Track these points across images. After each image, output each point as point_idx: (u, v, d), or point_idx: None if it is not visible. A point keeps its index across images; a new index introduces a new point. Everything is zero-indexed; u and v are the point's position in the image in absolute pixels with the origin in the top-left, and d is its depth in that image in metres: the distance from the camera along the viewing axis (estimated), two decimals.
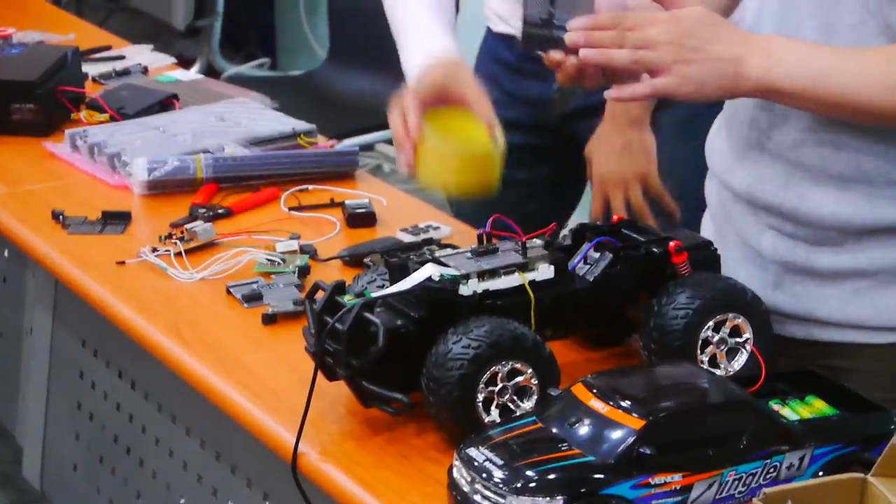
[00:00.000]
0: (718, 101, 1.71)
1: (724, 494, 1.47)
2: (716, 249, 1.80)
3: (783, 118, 1.73)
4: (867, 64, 1.63)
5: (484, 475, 1.45)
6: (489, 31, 2.59)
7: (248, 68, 5.18)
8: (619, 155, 2.25)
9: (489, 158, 1.99)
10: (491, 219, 1.90)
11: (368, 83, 4.23)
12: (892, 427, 1.53)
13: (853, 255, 1.74)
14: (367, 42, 4.07)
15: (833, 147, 1.71)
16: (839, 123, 1.69)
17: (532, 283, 1.70)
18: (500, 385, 1.61)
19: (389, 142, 4.60)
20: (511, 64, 2.48)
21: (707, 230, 1.91)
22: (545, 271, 1.72)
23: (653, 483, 1.45)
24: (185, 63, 3.33)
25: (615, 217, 1.87)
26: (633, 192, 2.32)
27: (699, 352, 1.70)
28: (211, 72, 4.79)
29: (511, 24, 2.45)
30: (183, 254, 2.12)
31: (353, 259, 2.12)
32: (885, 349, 1.76)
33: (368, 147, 4.60)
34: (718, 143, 1.85)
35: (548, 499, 1.42)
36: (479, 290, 1.68)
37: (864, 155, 1.70)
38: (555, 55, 1.74)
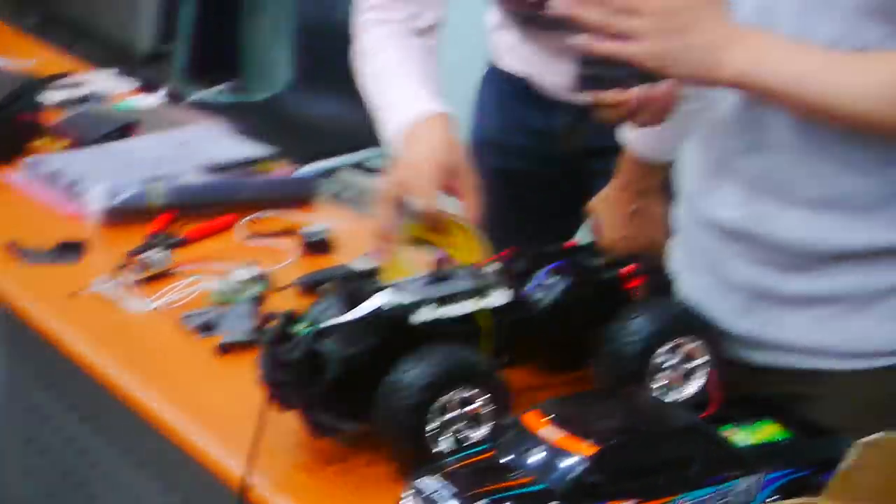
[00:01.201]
0: (687, 83, 1.67)
1: None
2: (670, 274, 1.79)
3: (754, 143, 1.70)
4: (857, 67, 1.58)
5: None
6: (492, 66, 2.54)
7: (212, 93, 5.16)
8: (628, 223, 2.22)
9: None
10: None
11: (334, 107, 4.22)
12: (844, 451, 1.52)
13: (824, 280, 1.70)
14: (333, 66, 4.04)
15: (806, 171, 1.67)
16: (813, 147, 1.66)
17: (486, 309, 1.69)
18: (452, 413, 1.60)
19: (354, 167, 4.60)
20: (514, 94, 2.45)
21: (676, 256, 1.89)
22: (500, 297, 1.71)
23: None
24: (149, 88, 3.31)
25: (569, 243, 1.86)
26: None
27: (653, 377, 1.69)
28: (175, 97, 4.76)
29: (524, 59, 2.42)
30: (137, 284, 2.11)
31: (309, 287, 2.11)
32: (851, 376, 1.73)
33: (333, 172, 4.59)
34: (688, 168, 1.83)
35: None
36: (432, 318, 1.67)
37: (840, 178, 1.66)
38: (610, 95, 1.72)
